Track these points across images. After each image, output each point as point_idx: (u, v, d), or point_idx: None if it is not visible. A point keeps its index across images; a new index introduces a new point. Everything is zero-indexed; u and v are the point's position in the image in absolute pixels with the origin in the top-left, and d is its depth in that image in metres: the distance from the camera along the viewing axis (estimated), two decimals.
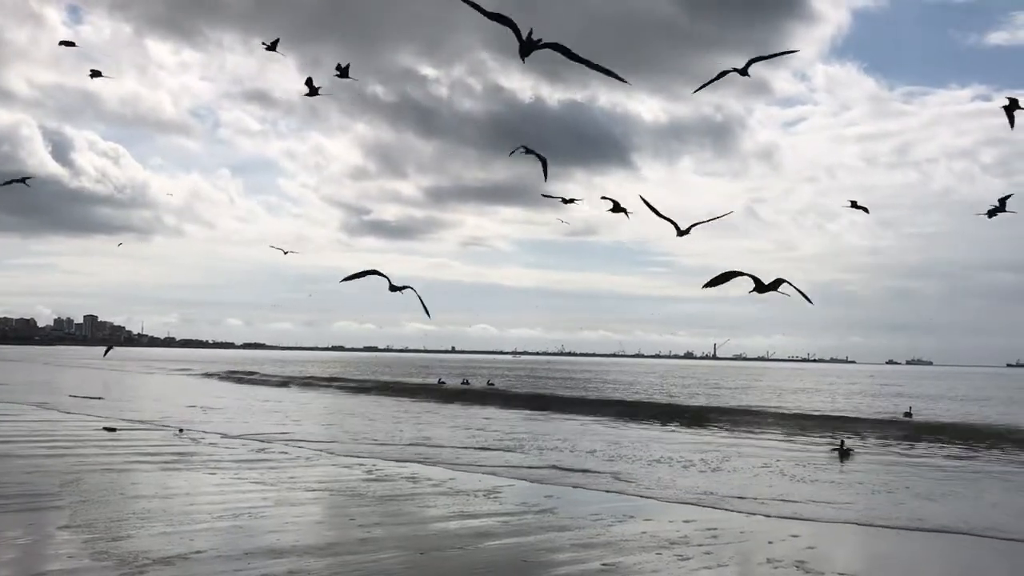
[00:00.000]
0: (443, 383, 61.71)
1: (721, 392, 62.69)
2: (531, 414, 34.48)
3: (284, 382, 56.48)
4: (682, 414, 33.51)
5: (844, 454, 22.15)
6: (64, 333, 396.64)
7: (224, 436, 23.06)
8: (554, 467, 18.58)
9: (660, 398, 50.91)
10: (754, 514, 13.38)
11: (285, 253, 17.27)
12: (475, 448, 22.08)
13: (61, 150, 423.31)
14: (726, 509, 13.74)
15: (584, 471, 17.98)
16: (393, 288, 10.23)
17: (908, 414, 38.78)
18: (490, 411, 36.10)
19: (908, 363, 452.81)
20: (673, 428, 29.67)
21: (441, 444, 22.92)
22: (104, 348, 55.45)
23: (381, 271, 10.14)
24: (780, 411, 35.65)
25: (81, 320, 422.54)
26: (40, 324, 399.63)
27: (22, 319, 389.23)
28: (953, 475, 19.12)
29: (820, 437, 26.02)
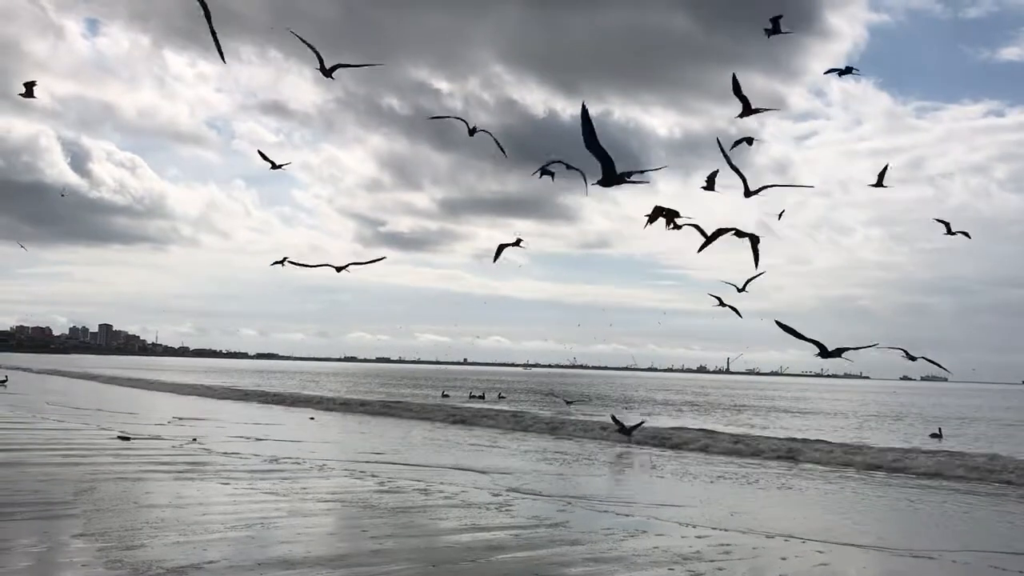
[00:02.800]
0: (447, 396, 61.77)
1: (739, 415, 62.47)
2: (548, 435, 34.36)
3: (293, 399, 56.57)
4: (711, 438, 32.33)
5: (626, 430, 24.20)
6: (79, 342, 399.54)
7: (237, 447, 23.12)
8: (570, 493, 18.54)
9: (690, 422, 50.76)
10: (768, 533, 13.29)
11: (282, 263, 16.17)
12: (481, 469, 22.07)
13: (79, 160, 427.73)
14: (740, 527, 13.66)
15: (605, 498, 17.92)
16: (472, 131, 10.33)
17: (936, 435, 37.53)
18: (502, 431, 36.04)
19: (923, 379, 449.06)
20: (695, 454, 29.45)
21: (452, 461, 22.93)
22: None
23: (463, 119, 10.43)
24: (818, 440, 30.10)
25: (96, 329, 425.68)
26: (56, 332, 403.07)
27: (38, 327, 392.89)
28: (985, 505, 17.97)
29: (859, 472, 25.45)
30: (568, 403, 55.46)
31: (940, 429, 39.53)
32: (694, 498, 16.98)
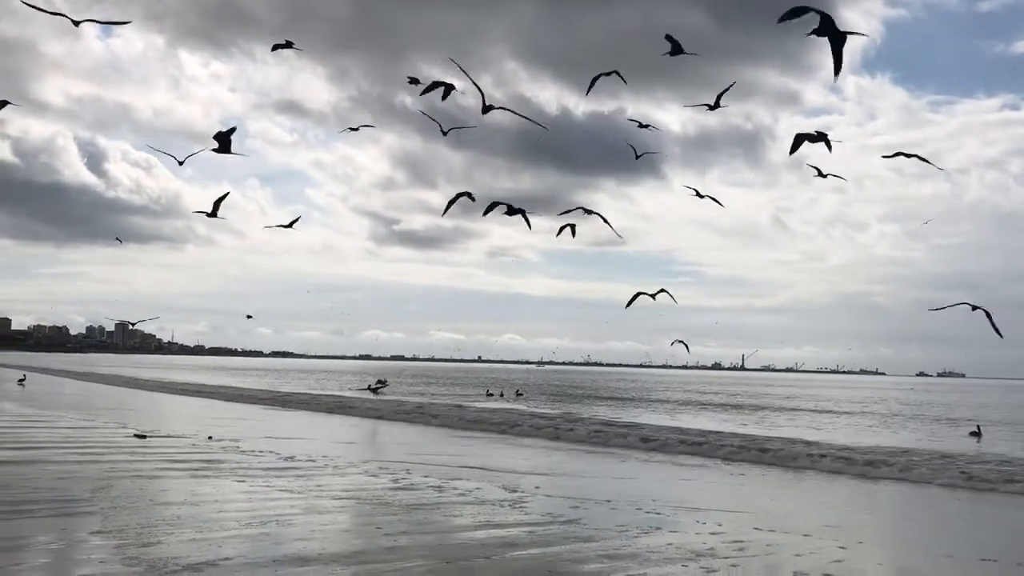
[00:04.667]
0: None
1: (753, 418, 62.16)
2: (558, 436, 34.28)
3: (307, 399, 56.71)
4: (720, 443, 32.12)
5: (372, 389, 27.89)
6: (96, 341, 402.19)
7: (253, 444, 23.21)
8: (584, 491, 18.52)
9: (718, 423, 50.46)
10: (783, 531, 13.23)
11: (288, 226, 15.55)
12: (495, 467, 22.08)
13: (95, 161, 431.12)
14: (755, 525, 13.60)
15: (619, 496, 17.88)
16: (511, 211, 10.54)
17: (976, 433, 35.90)
18: (516, 431, 35.97)
19: (939, 375, 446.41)
20: (718, 460, 29.34)
21: (466, 459, 22.96)
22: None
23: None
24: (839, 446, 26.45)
25: (112, 328, 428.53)
26: (72, 332, 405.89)
27: (55, 327, 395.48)
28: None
29: (886, 481, 25.04)
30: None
31: (979, 427, 37.67)
32: (710, 497, 16.94)
